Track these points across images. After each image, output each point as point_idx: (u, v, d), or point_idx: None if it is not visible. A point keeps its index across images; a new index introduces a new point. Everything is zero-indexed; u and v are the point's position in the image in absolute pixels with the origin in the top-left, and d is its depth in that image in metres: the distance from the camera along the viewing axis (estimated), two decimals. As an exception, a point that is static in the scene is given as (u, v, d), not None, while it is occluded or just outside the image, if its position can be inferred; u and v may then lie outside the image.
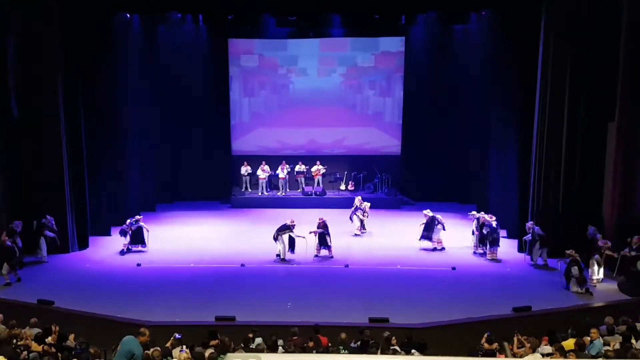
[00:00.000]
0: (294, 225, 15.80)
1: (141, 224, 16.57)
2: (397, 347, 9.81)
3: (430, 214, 16.68)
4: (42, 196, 15.97)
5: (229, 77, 21.89)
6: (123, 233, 16.41)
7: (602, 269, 13.96)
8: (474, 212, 16.80)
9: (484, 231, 15.85)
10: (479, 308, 12.54)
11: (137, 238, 16.52)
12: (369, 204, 18.13)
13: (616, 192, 14.78)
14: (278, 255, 15.82)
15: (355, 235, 17.81)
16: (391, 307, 12.53)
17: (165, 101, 20.77)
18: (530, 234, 15.24)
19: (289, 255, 15.79)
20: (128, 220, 16.56)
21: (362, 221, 17.92)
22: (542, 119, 15.42)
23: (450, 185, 21.15)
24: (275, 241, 15.82)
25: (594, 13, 14.84)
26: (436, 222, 16.50)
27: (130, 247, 16.47)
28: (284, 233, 15.74)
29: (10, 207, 15.92)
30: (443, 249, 16.53)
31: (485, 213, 16.64)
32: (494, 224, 15.75)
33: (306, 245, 15.57)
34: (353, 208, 17.94)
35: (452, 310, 12.44)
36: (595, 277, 13.89)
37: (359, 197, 18.31)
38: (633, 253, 13.54)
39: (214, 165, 21.78)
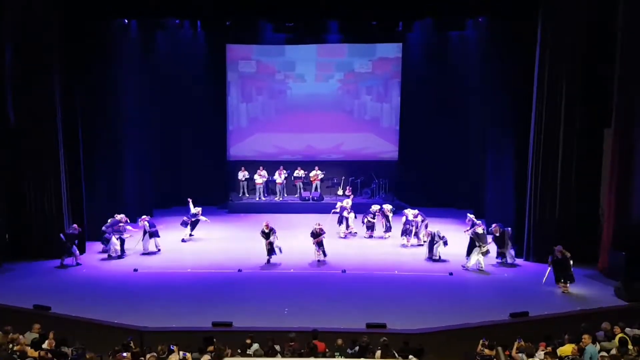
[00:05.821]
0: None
1: (200, 217, 17.77)
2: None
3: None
4: (39, 201, 16.00)
5: (227, 82, 21.95)
6: (184, 224, 17.63)
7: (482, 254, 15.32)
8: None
9: (406, 225, 17.38)
10: (476, 313, 12.55)
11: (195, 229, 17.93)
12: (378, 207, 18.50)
13: (612, 197, 14.83)
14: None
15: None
16: (388, 313, 12.52)
17: (163, 106, 20.76)
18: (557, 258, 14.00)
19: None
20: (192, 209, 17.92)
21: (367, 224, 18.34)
22: (538, 124, 15.49)
23: (448, 191, 21.19)
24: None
25: (591, 20, 14.93)
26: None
27: (192, 234, 17.82)
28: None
29: (6, 209, 15.92)
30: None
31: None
32: (411, 217, 17.32)
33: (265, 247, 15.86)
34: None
35: (450, 316, 12.43)
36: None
37: (387, 205, 18.68)
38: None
39: (211, 171, 21.79)
